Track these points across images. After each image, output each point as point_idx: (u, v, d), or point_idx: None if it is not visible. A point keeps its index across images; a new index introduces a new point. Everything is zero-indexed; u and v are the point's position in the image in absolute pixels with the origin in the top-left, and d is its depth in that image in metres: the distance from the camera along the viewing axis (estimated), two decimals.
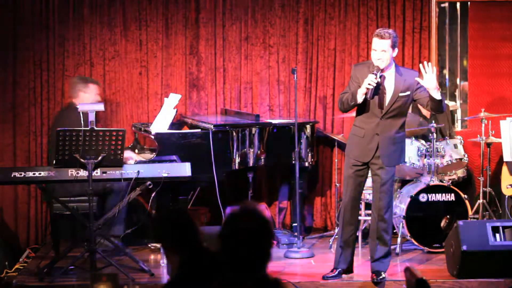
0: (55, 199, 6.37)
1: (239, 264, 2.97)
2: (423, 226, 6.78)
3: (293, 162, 6.86)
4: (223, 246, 3.00)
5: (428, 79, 5.54)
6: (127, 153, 6.55)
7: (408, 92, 5.72)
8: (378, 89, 5.66)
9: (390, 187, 5.87)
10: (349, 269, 6.00)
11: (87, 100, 6.71)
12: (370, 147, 5.75)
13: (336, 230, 7.02)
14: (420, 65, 5.67)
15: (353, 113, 5.99)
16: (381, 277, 5.87)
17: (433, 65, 7.69)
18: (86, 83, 6.80)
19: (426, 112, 7.33)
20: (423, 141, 6.98)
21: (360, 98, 5.62)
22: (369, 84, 5.55)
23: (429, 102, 5.65)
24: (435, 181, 6.80)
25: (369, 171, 5.90)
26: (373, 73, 5.58)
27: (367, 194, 6.99)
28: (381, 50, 5.65)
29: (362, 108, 5.77)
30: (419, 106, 7.33)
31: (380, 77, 5.65)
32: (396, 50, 5.74)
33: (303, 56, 7.67)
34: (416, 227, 6.77)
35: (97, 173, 5.93)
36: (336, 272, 5.94)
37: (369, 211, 6.97)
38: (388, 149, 5.75)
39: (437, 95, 5.55)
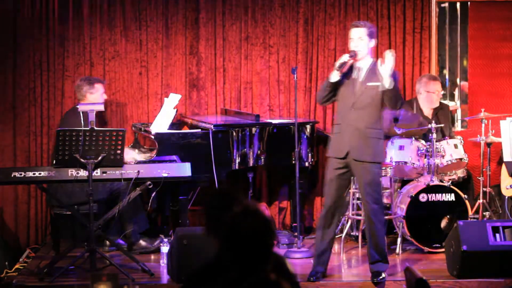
0: (57, 201, 6.38)
1: (241, 264, 2.97)
2: (423, 226, 6.78)
3: (293, 162, 6.86)
4: (224, 246, 3.00)
5: (385, 66, 5.57)
6: (129, 153, 6.55)
7: (379, 83, 5.69)
8: (350, 71, 5.72)
9: (377, 188, 5.80)
10: (325, 272, 5.99)
11: (95, 100, 6.75)
12: (344, 140, 5.75)
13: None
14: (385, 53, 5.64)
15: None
16: (380, 277, 5.87)
17: (433, 65, 7.74)
18: (91, 84, 6.82)
19: (427, 112, 7.33)
20: (423, 141, 6.98)
21: (331, 76, 5.68)
22: (340, 60, 5.64)
23: (386, 94, 5.64)
24: (435, 181, 6.80)
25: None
26: (348, 54, 5.70)
27: None
28: (358, 37, 5.72)
29: (339, 106, 5.83)
30: (420, 105, 7.34)
31: (351, 61, 5.71)
32: (373, 41, 5.78)
33: (303, 56, 7.67)
34: (416, 227, 6.77)
35: (97, 173, 5.94)
36: (318, 275, 5.92)
37: None
38: (357, 142, 5.71)
39: (386, 83, 5.56)
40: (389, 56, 5.57)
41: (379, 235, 5.85)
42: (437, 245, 6.72)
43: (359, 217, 6.84)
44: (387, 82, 5.56)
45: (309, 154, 7.17)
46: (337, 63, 5.67)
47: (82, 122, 6.14)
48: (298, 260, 6.55)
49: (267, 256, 2.99)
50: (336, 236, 6.93)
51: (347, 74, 5.77)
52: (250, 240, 2.96)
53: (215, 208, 3.45)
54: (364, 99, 5.70)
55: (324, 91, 5.78)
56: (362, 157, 5.71)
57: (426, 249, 6.75)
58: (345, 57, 5.67)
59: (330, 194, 5.84)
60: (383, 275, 5.87)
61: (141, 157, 6.63)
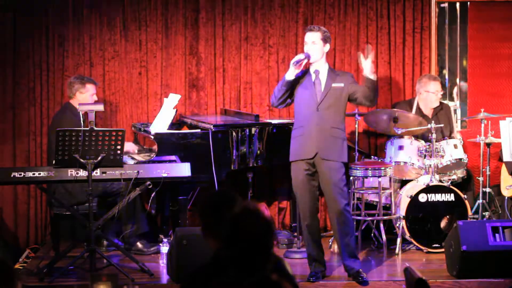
0: (57, 201, 6.38)
1: (241, 264, 2.97)
2: (423, 226, 6.78)
3: None
4: (224, 246, 3.00)
5: (366, 63, 5.75)
6: (128, 145, 6.55)
7: (342, 84, 5.85)
8: (308, 74, 5.83)
9: (345, 186, 5.90)
10: (325, 272, 6.03)
11: (84, 100, 6.73)
12: (312, 141, 5.82)
13: None
14: (362, 53, 5.82)
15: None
16: (364, 275, 5.89)
17: (433, 65, 7.74)
18: (83, 84, 6.79)
19: (427, 112, 7.33)
20: (423, 141, 6.98)
21: (288, 75, 5.75)
22: (296, 58, 5.74)
23: (361, 91, 5.81)
24: (434, 181, 6.80)
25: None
26: (303, 54, 5.81)
27: (366, 194, 6.99)
28: (312, 42, 5.83)
29: (298, 109, 5.89)
30: (420, 105, 7.33)
31: (307, 58, 5.80)
32: (328, 46, 5.91)
33: None
34: (416, 227, 6.77)
35: (96, 173, 5.94)
36: (318, 275, 5.94)
37: (369, 211, 6.99)
38: (325, 142, 5.81)
39: (371, 76, 5.74)
40: (369, 50, 5.77)
41: (349, 236, 5.90)
42: (436, 245, 6.72)
43: (358, 217, 6.84)
44: (371, 75, 5.74)
45: None
46: (293, 60, 5.76)
47: (82, 121, 6.12)
48: (298, 260, 6.55)
49: (267, 256, 2.99)
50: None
51: (303, 76, 5.84)
52: (250, 240, 2.96)
53: (211, 209, 3.45)
54: (328, 100, 5.82)
55: (280, 91, 5.84)
56: (330, 156, 5.81)
57: (426, 249, 6.76)
58: (300, 56, 5.79)
59: (307, 195, 5.90)
60: (364, 273, 5.90)
61: (140, 156, 6.64)
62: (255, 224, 2.98)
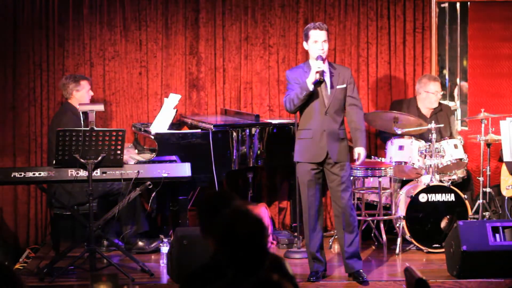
0: (57, 202, 6.38)
1: (237, 265, 2.96)
2: (423, 226, 6.78)
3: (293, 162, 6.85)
4: (219, 248, 2.99)
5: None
6: (127, 153, 6.55)
7: (344, 85, 5.85)
8: (323, 77, 5.78)
9: (350, 185, 5.96)
10: (325, 272, 6.04)
11: (82, 97, 6.73)
12: (321, 145, 5.82)
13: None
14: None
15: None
16: (365, 276, 5.89)
17: (434, 65, 7.74)
18: (77, 81, 6.79)
19: (425, 112, 7.33)
20: (423, 141, 6.98)
21: (310, 86, 5.71)
22: (318, 67, 5.68)
23: (351, 112, 5.89)
24: (435, 181, 6.80)
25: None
26: (317, 60, 5.72)
27: (366, 194, 6.99)
28: (323, 40, 5.79)
29: (305, 110, 5.86)
30: (419, 106, 7.33)
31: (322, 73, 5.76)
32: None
33: (303, 56, 7.67)
34: (416, 227, 6.77)
35: (97, 173, 5.94)
36: (318, 275, 5.95)
37: (369, 211, 6.99)
38: (334, 145, 5.82)
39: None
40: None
41: (354, 234, 5.91)
42: (437, 245, 6.72)
43: (359, 217, 6.83)
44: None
45: None
46: (316, 69, 5.68)
47: (82, 120, 6.12)
48: (298, 260, 6.55)
49: (262, 255, 2.98)
50: (336, 237, 6.94)
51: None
52: (242, 240, 2.95)
53: (209, 210, 3.45)
54: (334, 103, 5.82)
55: (301, 101, 5.78)
56: (340, 159, 5.83)
57: (426, 249, 6.75)
58: (320, 64, 5.72)
59: (314, 194, 5.88)
60: (364, 273, 5.91)
61: (140, 157, 6.63)
62: (246, 225, 2.97)
